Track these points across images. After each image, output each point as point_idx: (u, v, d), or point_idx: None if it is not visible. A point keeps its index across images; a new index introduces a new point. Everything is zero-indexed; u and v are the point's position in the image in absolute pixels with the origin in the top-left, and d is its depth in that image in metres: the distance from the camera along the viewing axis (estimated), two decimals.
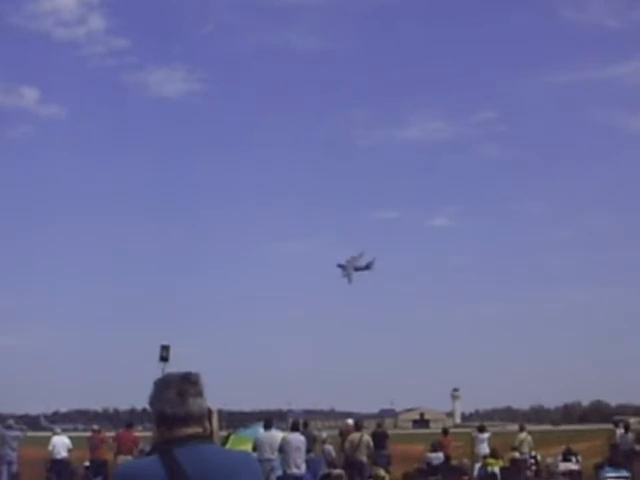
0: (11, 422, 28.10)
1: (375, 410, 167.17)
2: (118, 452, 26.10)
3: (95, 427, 29.52)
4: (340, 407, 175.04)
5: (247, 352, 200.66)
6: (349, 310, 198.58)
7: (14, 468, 25.89)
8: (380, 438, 26.96)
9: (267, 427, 20.79)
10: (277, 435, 20.82)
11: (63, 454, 27.56)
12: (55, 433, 29.28)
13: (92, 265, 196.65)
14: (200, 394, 3.54)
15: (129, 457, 25.59)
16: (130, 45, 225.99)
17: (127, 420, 34.32)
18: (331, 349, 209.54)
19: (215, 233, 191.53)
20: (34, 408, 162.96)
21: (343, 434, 27.96)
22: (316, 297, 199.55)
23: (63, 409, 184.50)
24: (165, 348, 29.14)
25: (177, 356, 29.31)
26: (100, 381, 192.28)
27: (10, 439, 26.52)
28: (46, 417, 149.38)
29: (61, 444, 27.73)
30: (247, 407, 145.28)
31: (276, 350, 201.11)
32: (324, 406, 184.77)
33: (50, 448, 27.78)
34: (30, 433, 31.23)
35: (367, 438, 24.16)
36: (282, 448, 19.64)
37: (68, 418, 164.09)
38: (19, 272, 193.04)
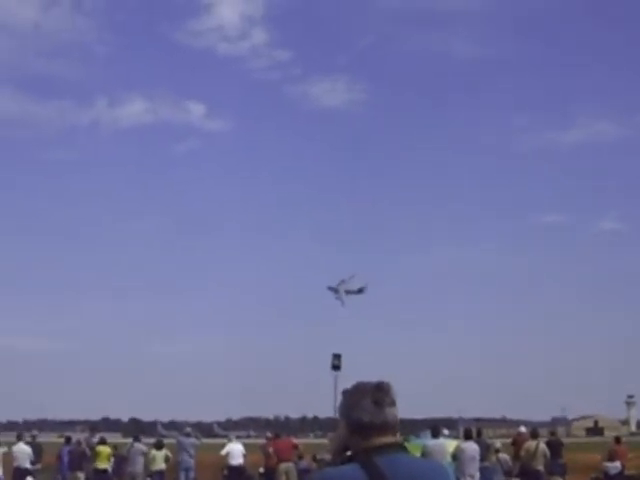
0: (188, 430, 28.81)
1: (547, 418, 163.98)
2: (278, 460, 26.42)
3: (269, 434, 29.91)
4: (511, 415, 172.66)
5: (416, 360, 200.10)
6: (516, 316, 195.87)
7: (191, 474, 26.49)
8: (555, 447, 26.32)
9: (434, 435, 20.65)
10: (445, 443, 20.65)
11: (239, 460, 28.07)
12: (230, 440, 29.82)
13: (260, 275, 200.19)
14: (394, 403, 3.54)
15: (290, 464, 25.98)
16: (292, 57, 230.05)
17: (297, 427, 34.62)
18: (501, 355, 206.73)
19: (381, 239, 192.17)
20: (207, 416, 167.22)
21: (517, 442, 27.51)
22: (481, 303, 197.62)
23: (235, 417, 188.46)
24: (337, 357, 29.18)
25: (347, 363, 29.41)
26: (272, 389, 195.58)
27: (188, 446, 27.22)
28: (219, 424, 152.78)
29: (237, 451, 28.26)
30: (418, 415, 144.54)
31: (445, 357, 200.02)
32: (495, 414, 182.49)
33: (223, 453, 28.33)
34: (204, 440, 31.94)
35: (543, 446, 23.65)
36: (457, 456, 19.48)
37: (240, 425, 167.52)
38: (189, 280, 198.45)
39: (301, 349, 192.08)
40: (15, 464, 26.03)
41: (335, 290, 56.68)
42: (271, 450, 27.41)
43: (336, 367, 29.17)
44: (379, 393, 3.51)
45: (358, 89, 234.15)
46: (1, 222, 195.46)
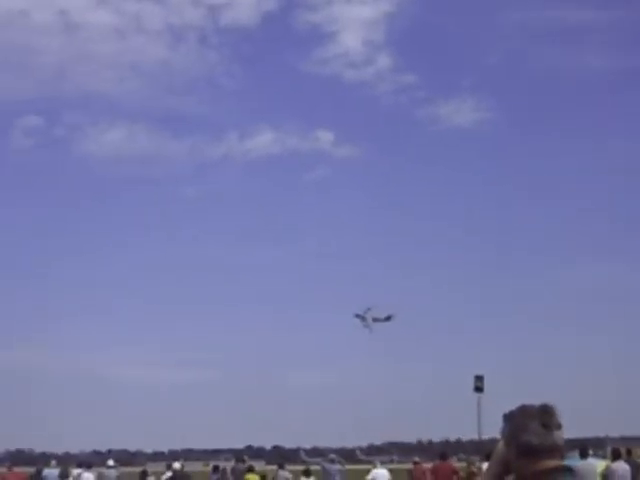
0: (332, 456, 29.04)
1: None
2: None
3: (416, 459, 29.84)
4: None
5: (558, 378, 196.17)
6: None
7: None
8: None
9: (583, 456, 20.25)
10: (594, 463, 20.26)
11: None
12: (375, 466, 29.88)
13: (398, 301, 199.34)
14: (560, 426, 3.58)
15: None
16: (417, 80, 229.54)
17: (442, 451, 34.35)
18: None
19: (512, 258, 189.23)
20: (349, 441, 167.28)
21: None
22: (623, 319, 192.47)
23: (377, 442, 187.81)
24: (479, 378, 28.89)
25: (489, 385, 29.14)
26: (413, 413, 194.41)
27: (334, 472, 27.47)
28: (361, 450, 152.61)
29: (382, 476, 28.26)
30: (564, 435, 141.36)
31: (589, 375, 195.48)
32: None
33: (369, 479, 28.39)
34: (347, 466, 32.10)
35: None
36: (606, 477, 19.15)
37: (382, 450, 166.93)
38: (325, 307, 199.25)
39: (442, 371, 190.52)
40: None
41: (362, 318, 56.68)
42: (429, 475, 27.14)
43: (479, 389, 28.95)
44: (546, 416, 3.55)
45: (485, 108, 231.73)
46: (141, 259, 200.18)
